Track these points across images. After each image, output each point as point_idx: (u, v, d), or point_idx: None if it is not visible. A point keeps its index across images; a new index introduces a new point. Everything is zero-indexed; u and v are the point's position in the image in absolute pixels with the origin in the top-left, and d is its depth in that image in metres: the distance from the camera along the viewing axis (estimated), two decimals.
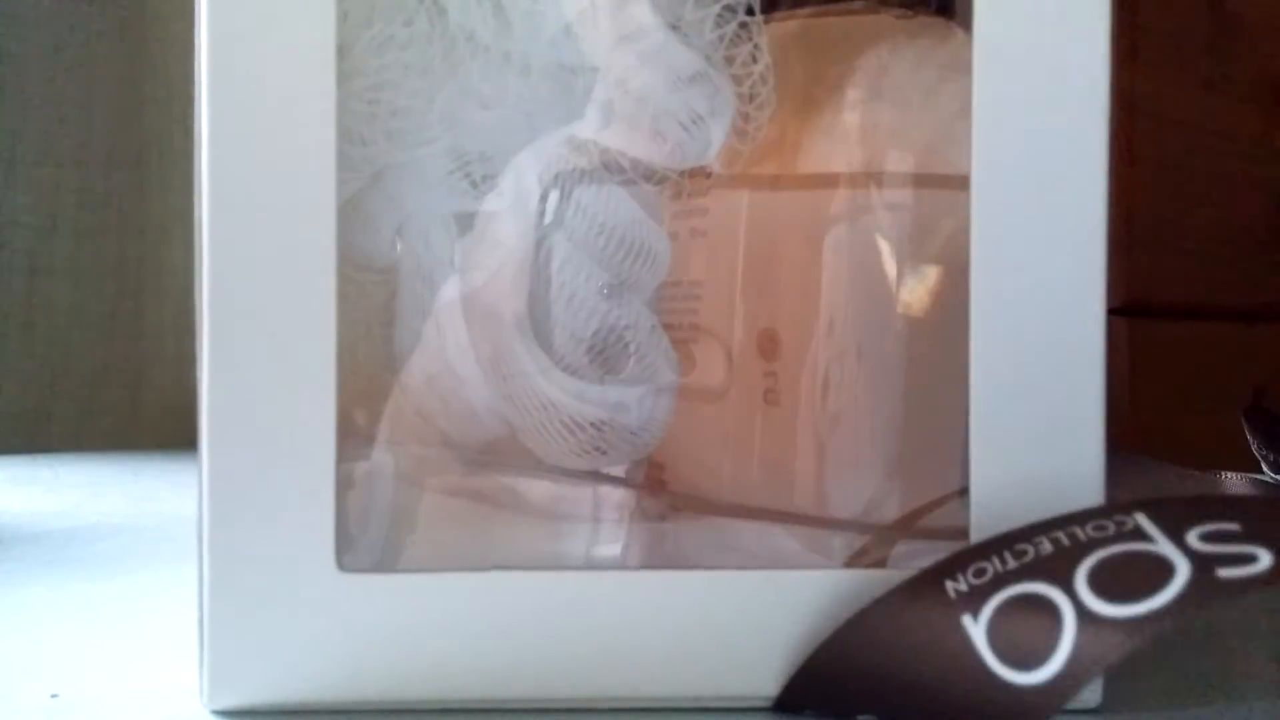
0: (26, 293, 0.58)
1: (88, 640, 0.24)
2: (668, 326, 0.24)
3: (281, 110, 0.19)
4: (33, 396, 0.58)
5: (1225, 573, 0.16)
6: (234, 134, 0.19)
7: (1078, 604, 0.16)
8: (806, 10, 0.24)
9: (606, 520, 0.25)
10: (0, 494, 0.43)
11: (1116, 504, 0.18)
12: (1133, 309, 0.64)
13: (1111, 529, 0.17)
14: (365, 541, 0.22)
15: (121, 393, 0.61)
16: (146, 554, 0.33)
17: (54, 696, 0.20)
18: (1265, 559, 0.16)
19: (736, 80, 0.23)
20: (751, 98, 0.23)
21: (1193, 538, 0.16)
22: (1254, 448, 0.48)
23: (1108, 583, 0.17)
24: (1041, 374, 0.20)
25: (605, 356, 0.24)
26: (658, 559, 0.24)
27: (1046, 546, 0.18)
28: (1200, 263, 0.68)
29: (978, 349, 0.20)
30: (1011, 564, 0.18)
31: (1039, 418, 0.19)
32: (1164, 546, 0.17)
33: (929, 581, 0.18)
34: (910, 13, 0.24)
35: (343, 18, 0.20)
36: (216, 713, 0.19)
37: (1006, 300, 0.20)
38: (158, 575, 0.30)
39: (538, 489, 0.24)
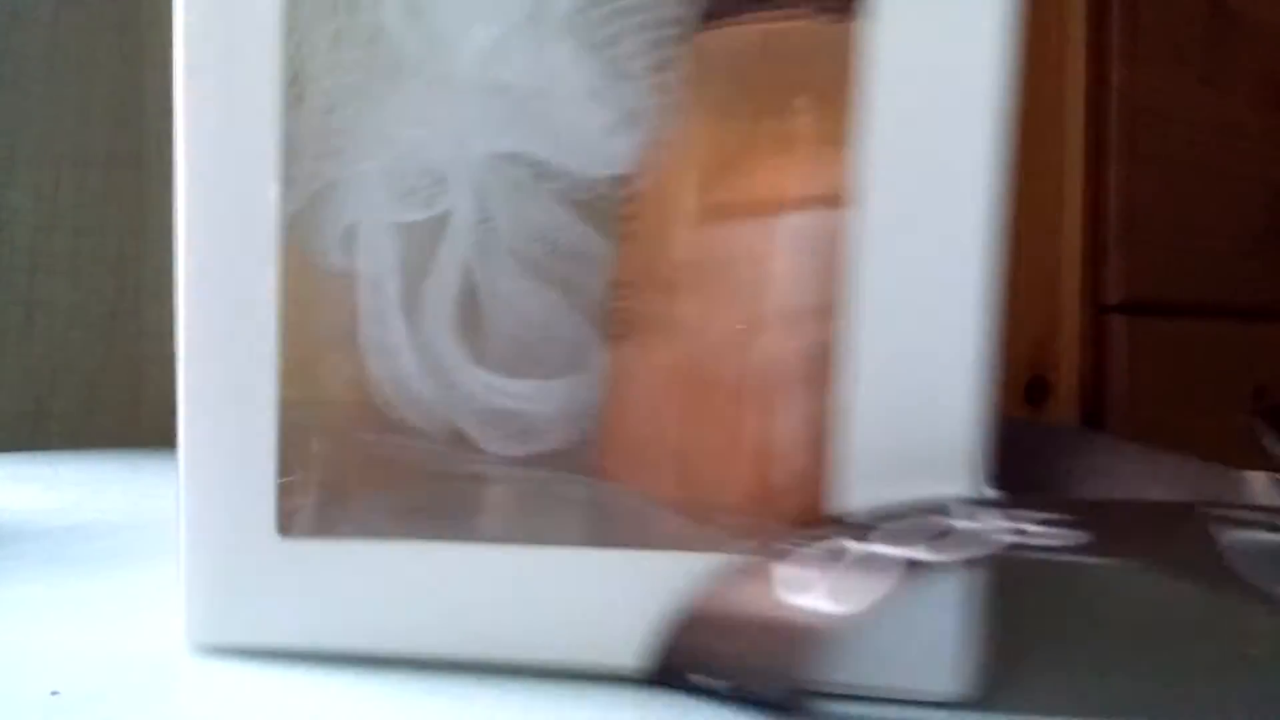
0: (26, 290, 0.58)
1: (88, 637, 0.24)
2: (616, 322, 0.26)
3: (238, 127, 0.23)
4: (32, 394, 0.58)
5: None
6: (201, 148, 0.24)
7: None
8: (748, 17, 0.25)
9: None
10: (0, 491, 0.43)
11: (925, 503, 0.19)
12: (1132, 307, 0.64)
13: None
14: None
15: (121, 391, 0.61)
16: (146, 551, 0.33)
17: (54, 694, 0.20)
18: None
19: (655, 90, 0.24)
20: (668, 107, 0.25)
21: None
22: (1271, 447, 0.48)
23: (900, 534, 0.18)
24: (914, 361, 0.20)
25: (532, 353, 0.26)
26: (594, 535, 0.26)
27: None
28: (1200, 261, 0.68)
29: (854, 333, 0.20)
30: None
31: (911, 402, 0.20)
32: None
33: (759, 561, 0.20)
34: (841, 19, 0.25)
35: (295, 47, 0.24)
36: (196, 646, 0.23)
37: (883, 291, 0.20)
38: (157, 572, 0.30)
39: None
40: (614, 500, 0.25)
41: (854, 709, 0.20)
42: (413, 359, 0.26)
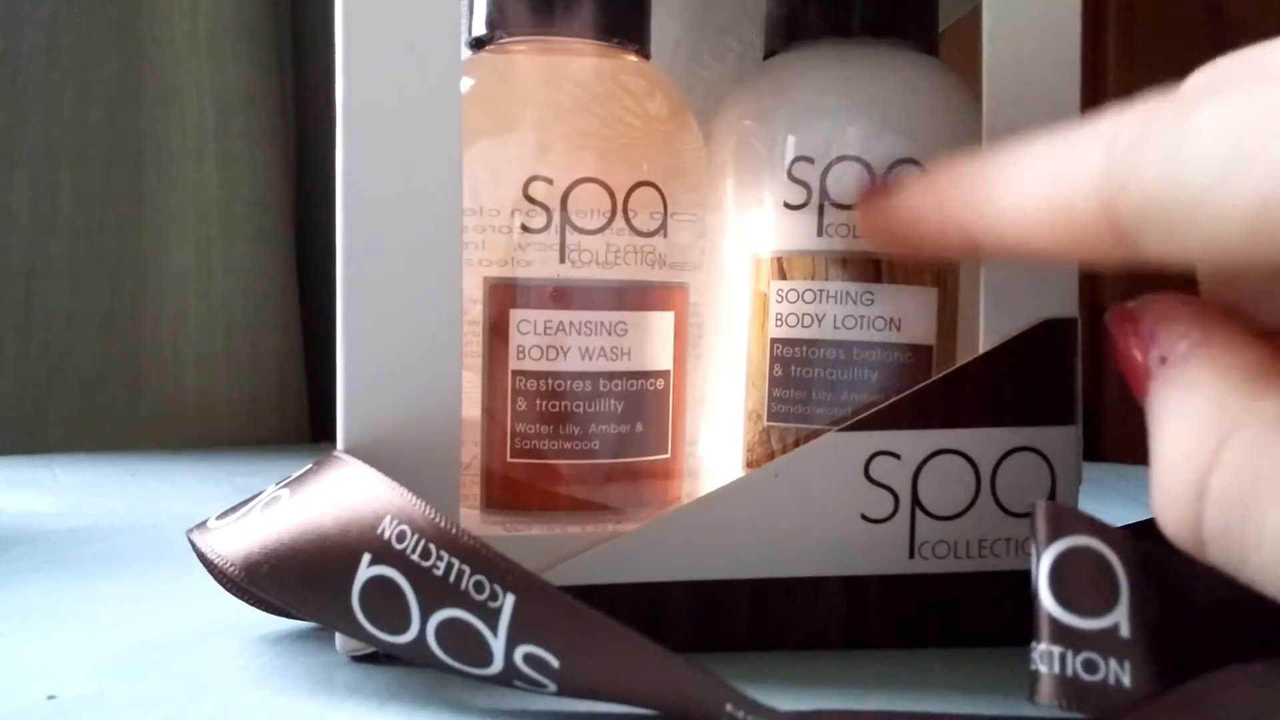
0: (24, 293, 0.58)
1: (84, 641, 0.24)
2: None
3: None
4: (30, 396, 0.58)
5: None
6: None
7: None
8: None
9: None
10: None
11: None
12: None
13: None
14: None
15: (118, 393, 0.61)
16: (144, 554, 0.32)
17: (51, 698, 0.20)
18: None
19: None
20: None
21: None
22: None
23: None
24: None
25: None
26: None
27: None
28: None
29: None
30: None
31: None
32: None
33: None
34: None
35: None
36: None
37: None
38: (154, 575, 0.30)
39: None
40: None
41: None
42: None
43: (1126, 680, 0.16)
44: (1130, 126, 0.16)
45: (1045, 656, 0.17)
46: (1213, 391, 0.16)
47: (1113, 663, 0.17)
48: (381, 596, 0.19)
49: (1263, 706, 0.16)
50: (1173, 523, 0.16)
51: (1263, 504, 0.15)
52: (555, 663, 0.19)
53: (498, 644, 0.19)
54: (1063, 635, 0.17)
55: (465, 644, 0.19)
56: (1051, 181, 0.17)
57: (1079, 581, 0.17)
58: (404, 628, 0.19)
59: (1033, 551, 0.18)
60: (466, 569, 0.19)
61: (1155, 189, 0.15)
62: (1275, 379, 0.16)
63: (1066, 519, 0.18)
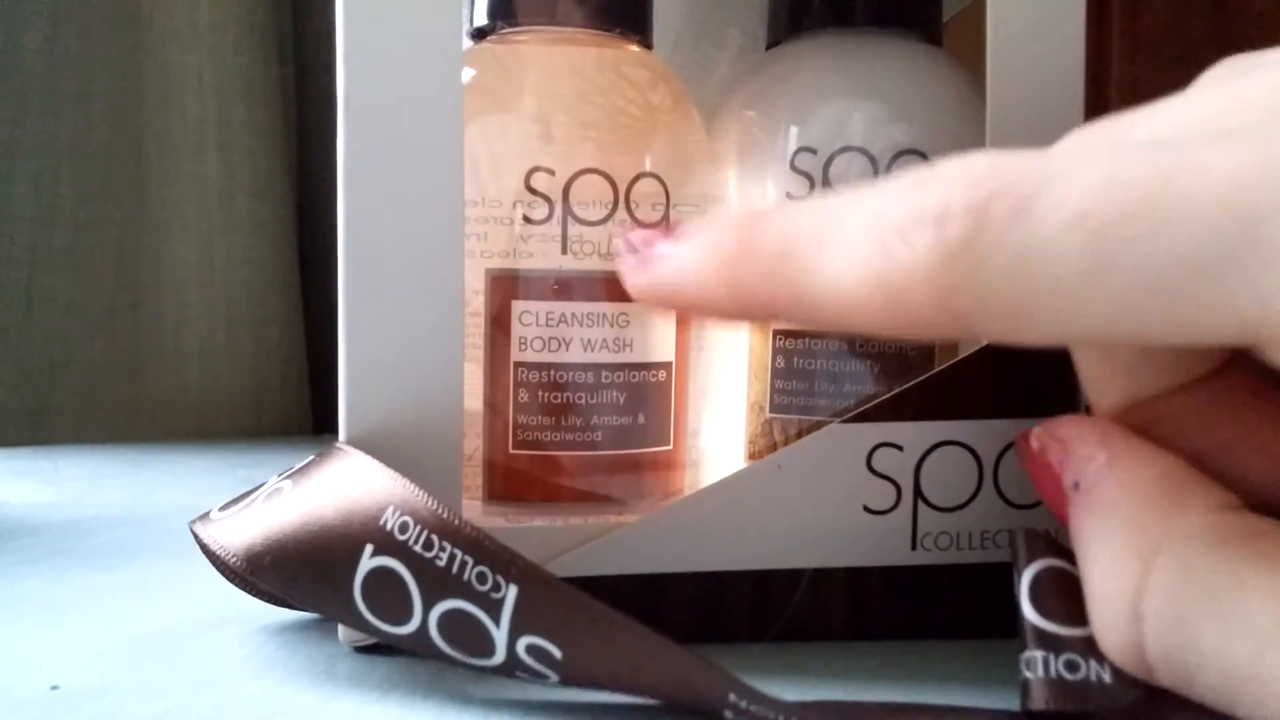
0: (25, 284, 0.58)
1: (87, 632, 0.24)
2: None
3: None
4: (32, 388, 0.58)
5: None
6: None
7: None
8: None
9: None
10: (0, 486, 0.43)
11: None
12: None
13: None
14: None
15: (121, 385, 0.61)
16: (146, 546, 0.33)
17: (54, 688, 0.20)
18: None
19: None
20: None
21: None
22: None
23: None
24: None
25: None
26: None
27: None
28: None
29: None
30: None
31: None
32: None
33: None
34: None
35: None
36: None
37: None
38: (157, 567, 0.30)
39: None
40: None
41: None
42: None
43: (1108, 677, 0.17)
44: (964, 199, 0.14)
45: (1031, 663, 0.17)
46: (1130, 513, 0.16)
47: (1093, 663, 0.17)
48: (383, 587, 0.19)
49: None
50: (1116, 649, 0.16)
51: (1196, 622, 0.15)
52: (558, 653, 0.19)
53: (500, 635, 0.19)
54: (1045, 641, 0.17)
55: (467, 635, 0.19)
56: (873, 264, 0.15)
57: (1055, 597, 0.18)
58: (406, 619, 0.19)
59: (1014, 571, 0.18)
60: (469, 560, 0.19)
61: (1001, 285, 0.14)
62: (1188, 490, 0.16)
63: (1038, 544, 0.18)
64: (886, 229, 0.14)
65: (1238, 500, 0.16)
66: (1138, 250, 0.13)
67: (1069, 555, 0.18)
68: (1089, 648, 0.17)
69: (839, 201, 0.16)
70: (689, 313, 0.21)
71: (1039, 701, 0.17)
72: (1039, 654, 0.17)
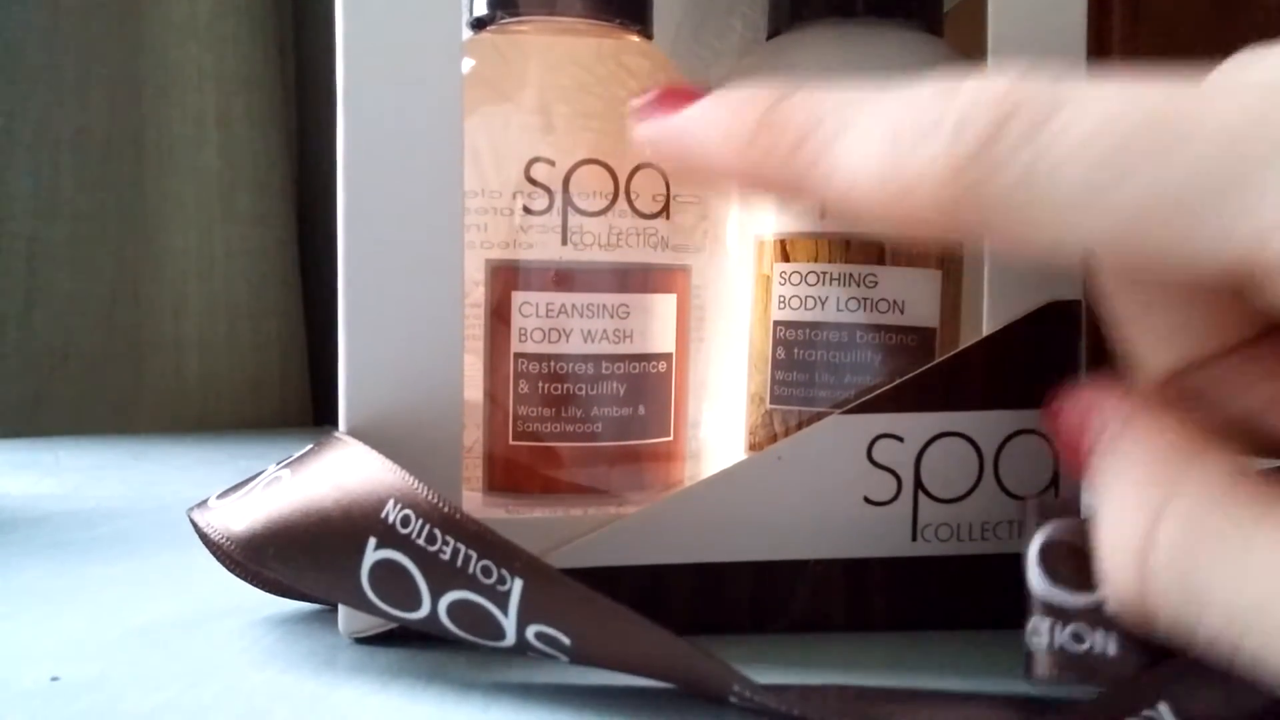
0: (26, 275, 0.58)
1: (88, 623, 0.24)
2: None
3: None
4: (32, 380, 0.58)
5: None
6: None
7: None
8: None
9: None
10: (0, 477, 0.43)
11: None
12: None
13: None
14: None
15: (121, 376, 0.61)
16: (146, 537, 0.33)
17: (54, 679, 0.20)
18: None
19: None
20: None
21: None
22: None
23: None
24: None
25: None
26: None
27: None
28: None
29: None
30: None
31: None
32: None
33: None
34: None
35: None
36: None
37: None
38: (157, 558, 0.30)
39: None
40: None
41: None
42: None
43: (1112, 649, 0.17)
44: (982, 114, 0.14)
45: (1035, 632, 0.17)
46: (1146, 465, 0.16)
47: (1099, 633, 0.17)
48: (391, 579, 0.19)
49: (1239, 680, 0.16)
50: (1122, 589, 0.16)
51: (1204, 570, 0.15)
52: (567, 640, 0.19)
53: (509, 623, 0.19)
54: (1050, 610, 0.17)
55: (477, 621, 0.19)
56: (887, 160, 0.15)
57: (1063, 561, 0.18)
58: (416, 607, 0.20)
59: (1023, 540, 0.18)
60: (473, 554, 0.19)
61: (1011, 196, 0.14)
62: (1203, 446, 0.16)
63: (1050, 506, 0.18)
64: (904, 130, 0.15)
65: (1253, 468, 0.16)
66: (1144, 172, 0.13)
67: (1079, 517, 0.18)
68: (1096, 618, 0.17)
69: (863, 96, 0.17)
70: (688, 171, 0.21)
71: (1042, 672, 0.17)
72: (1044, 622, 0.17)
